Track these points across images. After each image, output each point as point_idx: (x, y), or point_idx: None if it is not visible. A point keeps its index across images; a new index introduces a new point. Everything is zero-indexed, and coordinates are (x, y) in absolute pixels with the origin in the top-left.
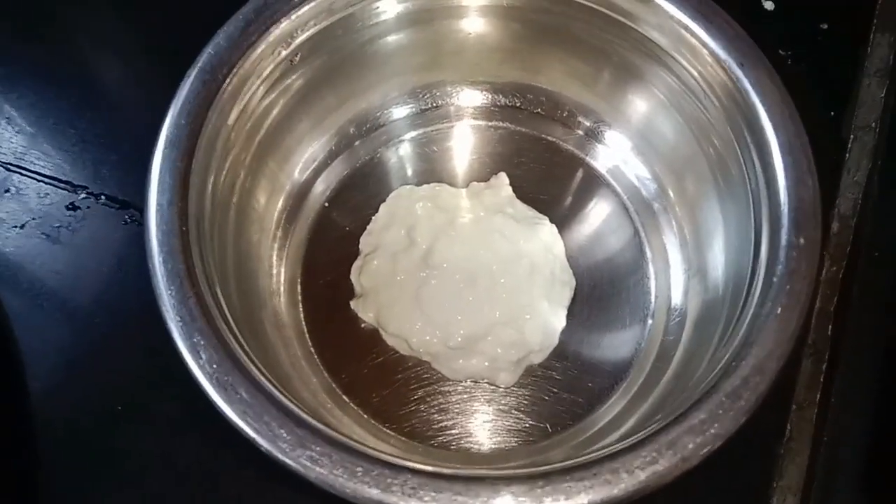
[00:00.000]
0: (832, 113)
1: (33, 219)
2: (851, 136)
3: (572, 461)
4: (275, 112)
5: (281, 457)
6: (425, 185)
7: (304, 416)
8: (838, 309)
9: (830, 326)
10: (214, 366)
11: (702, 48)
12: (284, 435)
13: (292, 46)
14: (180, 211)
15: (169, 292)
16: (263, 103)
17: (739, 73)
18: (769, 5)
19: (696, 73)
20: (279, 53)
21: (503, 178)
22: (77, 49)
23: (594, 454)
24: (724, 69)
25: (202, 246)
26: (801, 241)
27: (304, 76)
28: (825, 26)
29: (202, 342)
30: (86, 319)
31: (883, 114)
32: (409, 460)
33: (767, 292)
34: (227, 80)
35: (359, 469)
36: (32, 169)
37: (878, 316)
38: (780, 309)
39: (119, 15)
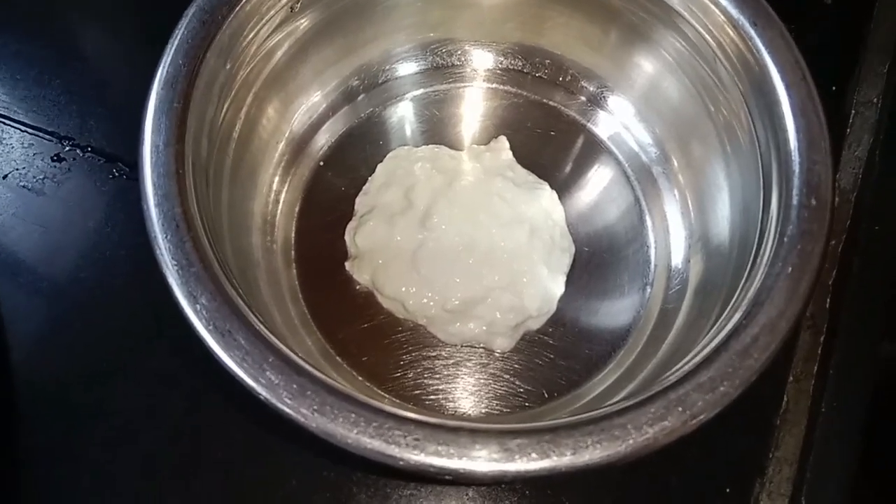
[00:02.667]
0: (834, 88)
1: (16, 169)
2: (853, 111)
3: (579, 416)
4: (275, 59)
5: (280, 405)
6: (424, 147)
7: (305, 364)
8: (837, 282)
9: (829, 299)
10: (212, 312)
11: (713, 7)
12: (284, 383)
13: None
14: (177, 153)
15: (164, 236)
16: (263, 49)
17: (752, 32)
18: None
19: (705, 34)
20: None
21: (503, 142)
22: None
23: (602, 409)
24: (735, 28)
25: (198, 194)
26: (813, 201)
27: (306, 24)
28: (829, 1)
29: (199, 287)
30: (70, 275)
31: (885, 89)
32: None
33: (778, 252)
34: (227, 22)
35: (361, 419)
36: (16, 118)
37: (876, 289)
38: (790, 269)
39: None
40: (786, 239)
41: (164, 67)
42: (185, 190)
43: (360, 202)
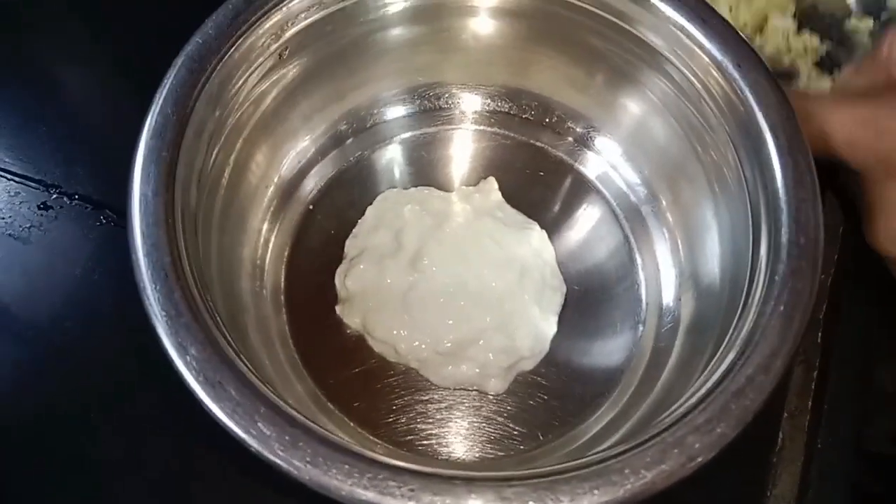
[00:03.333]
0: None
1: (2, 218)
2: None
3: (576, 462)
4: (264, 105)
5: (272, 458)
6: (413, 189)
7: (297, 415)
8: (827, 316)
9: (820, 333)
10: (202, 362)
11: (698, 50)
12: (276, 435)
13: (282, 40)
14: (166, 202)
15: (153, 286)
16: (252, 95)
17: (736, 74)
18: None
19: (691, 76)
20: (268, 46)
21: (492, 183)
22: (44, 46)
23: (599, 454)
24: (720, 71)
25: (187, 242)
26: (802, 239)
27: (294, 70)
28: None
29: (189, 338)
30: (54, 322)
31: None
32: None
33: (770, 291)
34: (216, 70)
35: (355, 470)
36: (1, 167)
37: (867, 324)
38: (783, 307)
39: (85, 15)
40: (777, 278)
41: (152, 117)
42: (175, 239)
43: (350, 245)
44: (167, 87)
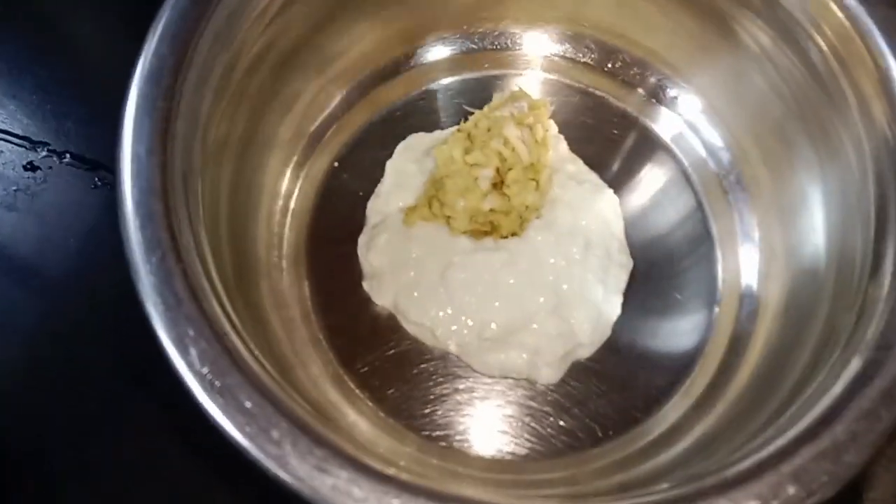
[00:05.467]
0: None
1: None
2: None
3: (665, 492)
4: (281, 43)
5: (294, 484)
6: (440, 132)
7: (324, 430)
8: None
9: None
10: (207, 364)
11: None
12: (300, 455)
13: None
14: (162, 163)
15: (147, 267)
16: (268, 34)
17: (861, 11)
18: None
19: (802, 16)
20: None
21: (553, 126)
22: None
23: (695, 484)
24: (841, 7)
25: (190, 208)
26: None
27: (318, 3)
28: None
29: (191, 332)
30: (50, 304)
31: None
32: (452, 485)
33: None
34: (222, 0)
35: (394, 499)
36: None
37: None
38: None
39: None
40: None
41: (145, 58)
42: (173, 208)
43: (371, 208)
44: (163, 20)
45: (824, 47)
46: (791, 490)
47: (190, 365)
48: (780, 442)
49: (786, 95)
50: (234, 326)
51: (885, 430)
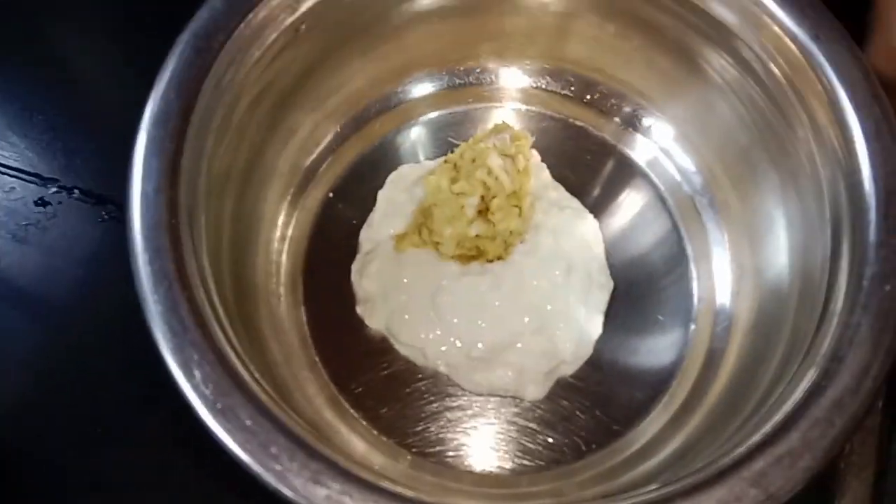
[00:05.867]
0: None
1: None
2: None
3: (632, 498)
4: (279, 86)
5: (291, 495)
6: (428, 161)
7: (318, 446)
8: None
9: None
10: (210, 385)
11: (769, 20)
12: (296, 469)
13: (298, 12)
14: (169, 200)
15: (155, 297)
16: (266, 76)
17: (814, 47)
18: None
19: (760, 51)
20: (283, 20)
21: (536, 155)
22: (45, 27)
23: (660, 490)
24: (795, 44)
25: (195, 240)
26: (894, 239)
27: (313, 45)
28: None
29: (195, 357)
30: (59, 330)
31: None
32: (442, 497)
33: (856, 298)
34: (224, 48)
35: None
36: None
37: None
38: (872, 317)
39: None
40: (865, 282)
41: (154, 103)
42: (180, 242)
43: (364, 237)
44: (170, 68)
45: (781, 78)
46: (751, 493)
47: (195, 387)
48: (742, 449)
49: (749, 123)
50: (235, 351)
51: (837, 436)
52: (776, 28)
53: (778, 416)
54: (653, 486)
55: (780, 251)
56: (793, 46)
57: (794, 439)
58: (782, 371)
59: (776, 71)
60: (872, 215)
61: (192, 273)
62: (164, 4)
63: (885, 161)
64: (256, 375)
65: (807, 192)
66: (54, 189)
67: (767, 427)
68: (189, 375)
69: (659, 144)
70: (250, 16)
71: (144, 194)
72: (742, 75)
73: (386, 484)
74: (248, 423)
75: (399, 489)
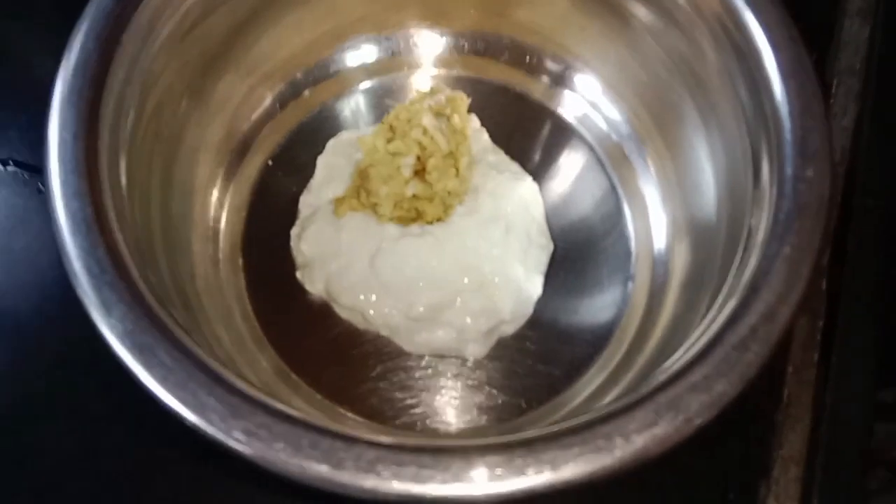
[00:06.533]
0: (813, 56)
1: None
2: (835, 81)
3: (557, 426)
4: (207, 45)
5: (211, 430)
6: (370, 128)
7: (238, 382)
8: (832, 263)
9: (824, 282)
10: (129, 325)
11: None
12: (214, 403)
13: None
14: (87, 147)
15: (73, 239)
16: (194, 32)
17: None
18: None
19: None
20: None
21: (475, 120)
22: None
23: (582, 418)
24: None
25: (116, 198)
26: (810, 172)
27: (242, 5)
28: None
29: (113, 297)
30: None
31: (868, 55)
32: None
33: (774, 231)
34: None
35: (304, 441)
36: None
37: (875, 268)
38: (789, 248)
39: None
40: (782, 216)
41: (71, 51)
42: (99, 190)
43: (304, 202)
44: (89, 16)
45: (703, 27)
46: (668, 415)
47: (112, 326)
48: (661, 378)
49: (670, 66)
50: (155, 297)
51: (753, 360)
52: None
53: (696, 348)
54: (578, 416)
55: (709, 201)
56: None
57: (708, 366)
58: (708, 313)
59: (696, 17)
60: (789, 150)
61: (110, 218)
62: None
63: (800, 98)
64: (177, 319)
65: (732, 135)
66: None
67: (685, 358)
68: (106, 316)
69: (587, 98)
70: None
71: (62, 140)
72: (664, 23)
73: (306, 417)
74: (167, 360)
75: (318, 421)
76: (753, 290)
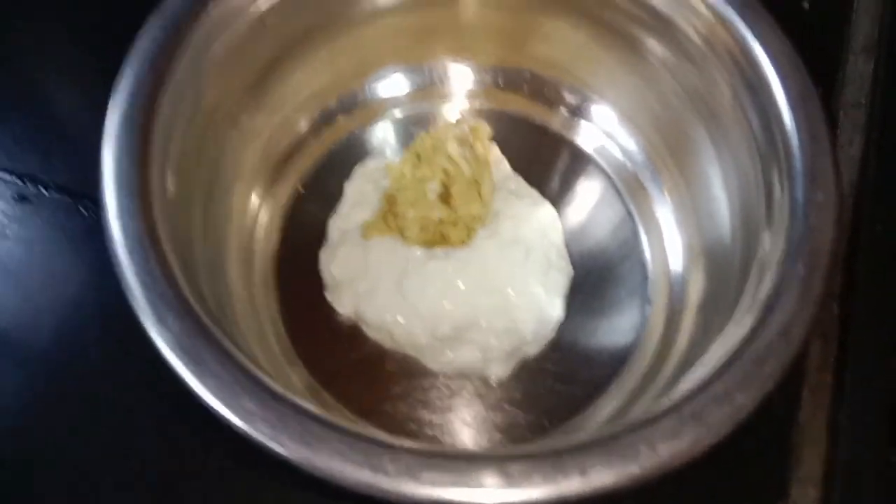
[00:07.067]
0: (819, 90)
1: None
2: (841, 113)
3: (585, 437)
4: (247, 76)
5: (257, 435)
6: (396, 156)
7: (283, 391)
8: (844, 289)
9: (836, 306)
10: (180, 334)
11: (700, 4)
12: (260, 410)
13: (265, 5)
14: (140, 171)
15: (129, 255)
16: (234, 64)
17: (741, 25)
18: None
19: (693, 34)
20: (248, 8)
21: (496, 149)
22: (14, 37)
23: (608, 430)
24: (723, 24)
25: (166, 218)
26: (819, 196)
27: (280, 38)
28: (806, 5)
29: (166, 308)
30: (36, 320)
31: (873, 89)
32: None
33: (787, 252)
34: (193, 31)
35: (346, 447)
36: None
37: (885, 292)
38: (801, 268)
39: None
40: (794, 238)
41: (124, 79)
42: (150, 208)
43: (332, 226)
44: (140, 47)
45: (714, 60)
46: (690, 426)
47: (164, 336)
48: (683, 391)
49: (684, 98)
50: (204, 308)
51: (770, 374)
52: (706, 12)
53: (716, 362)
54: (603, 427)
55: (722, 221)
56: (722, 28)
57: (729, 380)
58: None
59: (707, 51)
60: (799, 176)
61: (162, 237)
62: (135, 11)
63: (808, 126)
64: (225, 329)
65: (744, 165)
66: (32, 186)
67: (707, 372)
68: (159, 326)
69: (604, 129)
70: (219, 3)
71: (117, 162)
72: (678, 57)
73: (351, 426)
74: (217, 368)
75: (362, 430)
76: (769, 308)
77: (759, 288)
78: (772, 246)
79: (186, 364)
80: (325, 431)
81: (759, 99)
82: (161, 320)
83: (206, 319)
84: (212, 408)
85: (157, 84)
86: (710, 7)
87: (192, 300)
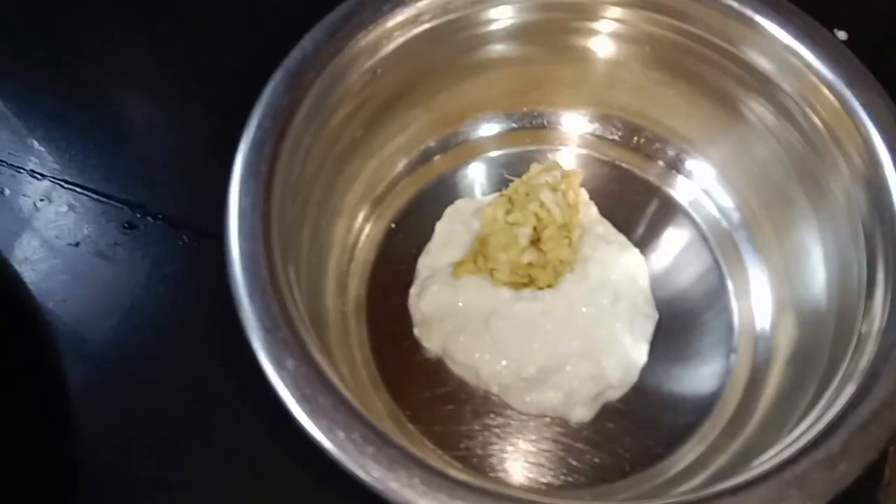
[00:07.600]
0: None
1: (88, 237)
2: None
3: (685, 495)
4: (356, 122)
5: (369, 480)
6: (484, 197)
7: (392, 436)
8: None
9: None
10: (298, 378)
11: (806, 70)
12: (373, 455)
13: (376, 57)
14: (264, 215)
15: (251, 300)
16: (345, 111)
17: (849, 94)
18: (842, 35)
19: (798, 98)
20: (363, 63)
21: (584, 193)
22: (129, 70)
23: (710, 489)
24: (831, 91)
25: (283, 256)
26: None
27: (388, 87)
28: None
29: (286, 352)
30: (139, 341)
31: None
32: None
33: (892, 321)
34: (313, 85)
35: (448, 495)
36: (88, 186)
37: None
38: None
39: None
40: None
41: (251, 130)
42: (272, 252)
43: (422, 264)
44: (266, 100)
45: (818, 123)
46: (793, 493)
47: (283, 379)
48: (785, 455)
49: (786, 162)
50: (319, 351)
51: (875, 443)
52: (813, 77)
53: (818, 427)
54: (702, 487)
55: (817, 284)
56: (829, 93)
57: (833, 445)
58: (819, 396)
59: (813, 116)
60: None
61: (282, 280)
62: (242, 56)
63: None
64: (339, 371)
65: (843, 227)
66: (140, 214)
67: (808, 436)
68: (279, 369)
69: (700, 185)
70: (335, 58)
71: (242, 209)
72: (780, 120)
73: (456, 474)
74: (332, 410)
75: (470, 479)
76: (873, 376)
77: (861, 354)
78: (874, 311)
79: (302, 406)
80: (431, 478)
81: (865, 166)
82: (280, 364)
83: (322, 363)
84: (327, 450)
85: (280, 135)
86: (815, 73)
87: (309, 345)
